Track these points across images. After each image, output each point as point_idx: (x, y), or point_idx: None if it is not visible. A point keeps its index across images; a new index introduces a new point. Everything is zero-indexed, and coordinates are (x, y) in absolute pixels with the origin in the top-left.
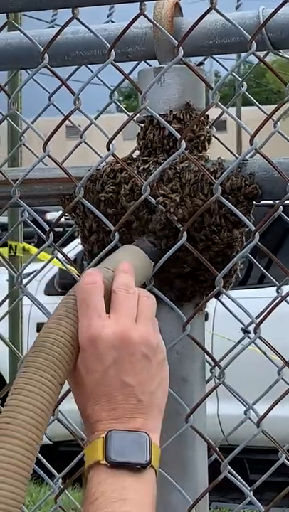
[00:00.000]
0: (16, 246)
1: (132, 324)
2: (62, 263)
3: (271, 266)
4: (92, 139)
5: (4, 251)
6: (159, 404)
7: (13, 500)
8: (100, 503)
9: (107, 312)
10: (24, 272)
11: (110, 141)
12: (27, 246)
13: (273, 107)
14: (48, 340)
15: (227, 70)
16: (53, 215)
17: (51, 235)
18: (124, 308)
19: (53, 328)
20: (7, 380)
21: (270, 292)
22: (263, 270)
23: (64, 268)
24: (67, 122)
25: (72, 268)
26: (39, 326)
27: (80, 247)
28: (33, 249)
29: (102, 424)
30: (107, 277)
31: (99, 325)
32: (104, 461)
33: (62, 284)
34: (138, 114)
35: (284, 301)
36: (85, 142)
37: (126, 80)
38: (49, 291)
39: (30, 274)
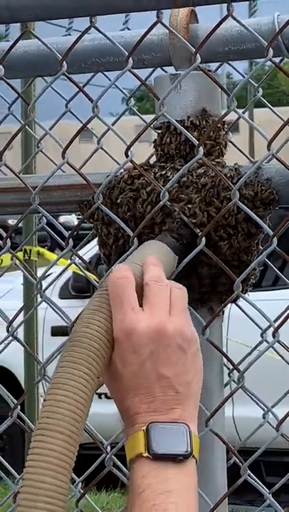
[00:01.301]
0: (30, 250)
1: (166, 316)
2: (78, 266)
3: (285, 268)
4: (104, 142)
5: (19, 255)
6: (196, 394)
7: (55, 492)
8: (146, 496)
9: (140, 305)
10: (39, 276)
11: (129, 147)
12: (41, 250)
13: (285, 108)
14: (83, 334)
15: (241, 74)
16: (66, 218)
17: (70, 241)
18: (158, 301)
19: (87, 322)
20: (22, 384)
21: (285, 294)
22: (279, 273)
23: (78, 272)
24: (79, 126)
25: (87, 272)
26: (54, 330)
27: (94, 251)
28: (47, 253)
29: (142, 417)
30: (136, 272)
31: (133, 318)
32: (146, 454)
33: (76, 288)
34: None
35: None
36: (102, 148)
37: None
38: (63, 294)
39: (45, 277)
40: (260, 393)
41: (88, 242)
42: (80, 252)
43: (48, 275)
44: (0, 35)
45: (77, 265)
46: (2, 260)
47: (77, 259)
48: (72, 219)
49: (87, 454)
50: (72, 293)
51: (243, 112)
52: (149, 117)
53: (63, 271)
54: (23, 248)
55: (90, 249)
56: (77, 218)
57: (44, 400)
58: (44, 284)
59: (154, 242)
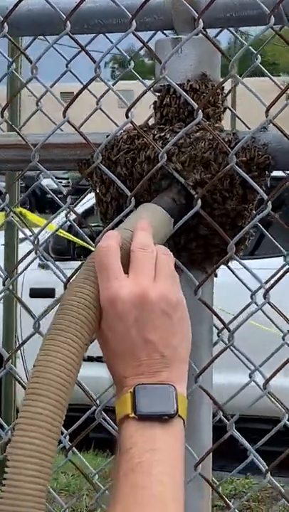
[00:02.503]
0: (19, 212)
1: (150, 283)
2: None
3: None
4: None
5: (1, 216)
6: (183, 358)
7: (44, 454)
8: (133, 453)
9: (127, 272)
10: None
11: (129, 109)
12: (23, 211)
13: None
14: (71, 303)
15: (242, 41)
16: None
17: (69, 198)
18: (142, 267)
19: (75, 291)
20: None
21: (264, 263)
22: (273, 240)
23: (59, 234)
24: (61, 88)
25: (68, 234)
26: (32, 291)
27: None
28: (29, 214)
29: (130, 380)
30: (125, 238)
31: (117, 286)
32: (133, 415)
33: (56, 250)
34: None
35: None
36: (101, 109)
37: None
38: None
39: (25, 239)
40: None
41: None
42: (62, 215)
43: (31, 236)
44: None
45: (69, 225)
46: None
47: (59, 221)
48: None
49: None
50: (53, 255)
51: (242, 77)
52: (134, 83)
53: (57, 229)
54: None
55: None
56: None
57: (34, 366)
58: (26, 245)
59: (149, 205)
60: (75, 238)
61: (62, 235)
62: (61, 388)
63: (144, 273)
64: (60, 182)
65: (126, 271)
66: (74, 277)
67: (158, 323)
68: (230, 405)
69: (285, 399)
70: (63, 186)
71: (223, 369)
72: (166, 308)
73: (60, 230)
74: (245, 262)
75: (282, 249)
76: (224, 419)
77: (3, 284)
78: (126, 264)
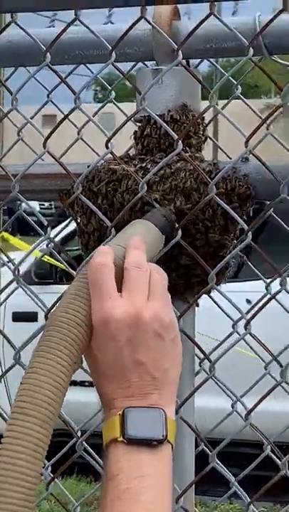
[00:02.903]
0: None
1: (143, 302)
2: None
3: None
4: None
5: None
6: (174, 380)
7: (28, 476)
8: (120, 479)
9: (120, 290)
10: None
11: (109, 139)
12: (5, 235)
13: (251, 101)
14: (61, 319)
15: (222, 71)
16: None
17: (49, 229)
18: (136, 287)
19: (66, 307)
20: None
21: (247, 286)
22: (253, 268)
23: (42, 259)
24: (44, 111)
25: (50, 258)
26: (15, 315)
27: (59, 237)
28: (11, 238)
29: (119, 402)
30: (118, 255)
31: (110, 305)
32: (121, 438)
33: (39, 274)
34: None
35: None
36: (82, 139)
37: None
38: (26, 280)
39: (8, 262)
40: (231, 386)
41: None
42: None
43: (12, 260)
44: None
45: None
46: None
47: (42, 245)
48: (35, 205)
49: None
50: (35, 279)
51: (223, 108)
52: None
53: (41, 256)
54: None
55: (55, 236)
56: (41, 208)
57: (21, 383)
58: (8, 270)
59: (140, 222)
60: (56, 263)
61: (44, 259)
62: (48, 408)
63: (138, 292)
64: (43, 205)
65: (118, 288)
66: (65, 290)
67: (151, 344)
68: (217, 430)
69: (275, 422)
70: (46, 209)
71: (205, 393)
72: (160, 329)
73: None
74: (230, 284)
75: (261, 276)
76: (206, 449)
77: None
78: (118, 282)
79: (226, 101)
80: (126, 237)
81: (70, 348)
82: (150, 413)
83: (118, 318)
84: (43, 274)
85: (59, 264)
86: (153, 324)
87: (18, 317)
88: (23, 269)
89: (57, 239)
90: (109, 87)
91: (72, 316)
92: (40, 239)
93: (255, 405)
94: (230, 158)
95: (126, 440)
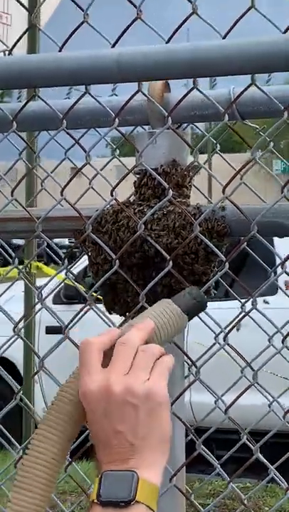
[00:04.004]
0: (30, 264)
1: (118, 376)
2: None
3: (234, 283)
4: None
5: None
6: (154, 446)
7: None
8: None
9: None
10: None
11: (114, 189)
12: (40, 265)
13: (237, 155)
14: (60, 398)
15: (203, 132)
16: (59, 239)
17: (66, 261)
18: (117, 361)
19: (65, 386)
20: (21, 371)
21: (232, 304)
22: (229, 289)
23: (69, 282)
24: (71, 164)
25: (76, 283)
26: (47, 329)
27: (82, 266)
28: (44, 267)
29: (104, 466)
30: (125, 333)
31: (87, 381)
32: (96, 500)
33: (67, 295)
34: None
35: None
36: (92, 188)
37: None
38: (56, 300)
39: (40, 286)
40: (212, 383)
41: (77, 259)
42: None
43: (45, 285)
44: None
45: (68, 278)
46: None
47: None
48: (64, 240)
49: None
50: (64, 299)
51: (204, 163)
52: (126, 160)
53: (60, 283)
54: (25, 262)
55: (79, 265)
56: (69, 242)
57: (22, 458)
58: (44, 292)
59: (163, 302)
60: (80, 286)
61: (70, 283)
62: (45, 483)
63: (116, 367)
64: (71, 240)
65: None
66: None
67: (126, 414)
68: (207, 420)
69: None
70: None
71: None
72: (132, 400)
73: (70, 279)
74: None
75: (237, 297)
76: (194, 438)
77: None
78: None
79: (216, 155)
80: (141, 318)
81: (64, 425)
82: (122, 476)
83: (93, 391)
84: (70, 295)
85: (82, 287)
86: (125, 396)
87: (50, 330)
88: (53, 290)
89: (81, 266)
90: (114, 149)
91: (69, 394)
92: (60, 268)
93: (232, 403)
94: (212, 202)
95: (99, 502)
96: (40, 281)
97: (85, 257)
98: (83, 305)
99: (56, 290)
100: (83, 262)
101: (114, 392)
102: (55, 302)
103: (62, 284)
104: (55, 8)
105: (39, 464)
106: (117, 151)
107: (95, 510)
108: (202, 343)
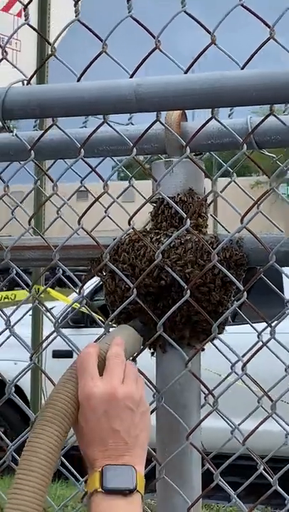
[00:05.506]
0: (39, 289)
1: (118, 384)
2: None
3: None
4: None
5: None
6: (142, 444)
7: None
8: None
9: (101, 375)
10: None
11: (131, 217)
12: (48, 289)
13: (243, 178)
14: (55, 398)
15: (222, 162)
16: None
17: (82, 290)
18: (113, 372)
19: (59, 389)
20: (28, 396)
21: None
22: (244, 316)
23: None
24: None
25: (83, 308)
26: (54, 353)
27: (88, 289)
28: (52, 291)
29: (99, 462)
30: (103, 349)
31: (92, 385)
32: (100, 489)
33: (73, 319)
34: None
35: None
36: (108, 217)
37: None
38: (63, 324)
39: (50, 309)
40: (228, 410)
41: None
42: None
43: (52, 308)
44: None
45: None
46: (15, 295)
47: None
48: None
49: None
50: (70, 323)
51: (221, 191)
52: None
53: (74, 313)
54: (35, 287)
55: (86, 289)
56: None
57: (24, 450)
58: (50, 315)
59: (125, 327)
60: (87, 310)
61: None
62: (45, 469)
63: (114, 376)
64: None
65: (100, 374)
66: (61, 377)
67: (123, 416)
68: (216, 445)
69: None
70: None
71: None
72: (130, 404)
73: (76, 303)
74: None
75: (253, 326)
76: (211, 468)
77: (31, 358)
78: (101, 369)
79: (226, 178)
80: (111, 337)
81: (61, 421)
82: (123, 470)
83: (97, 394)
84: (77, 319)
85: (89, 311)
86: (125, 400)
87: (57, 354)
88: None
89: (88, 290)
90: (130, 179)
91: (63, 395)
92: (78, 297)
93: (250, 434)
94: (229, 232)
95: (104, 490)
96: (48, 305)
97: (92, 281)
98: (90, 328)
99: (63, 316)
100: (90, 285)
101: (117, 397)
102: (62, 326)
103: (70, 308)
104: (62, 37)
105: (41, 449)
106: (133, 180)
107: (98, 498)
108: (210, 369)
